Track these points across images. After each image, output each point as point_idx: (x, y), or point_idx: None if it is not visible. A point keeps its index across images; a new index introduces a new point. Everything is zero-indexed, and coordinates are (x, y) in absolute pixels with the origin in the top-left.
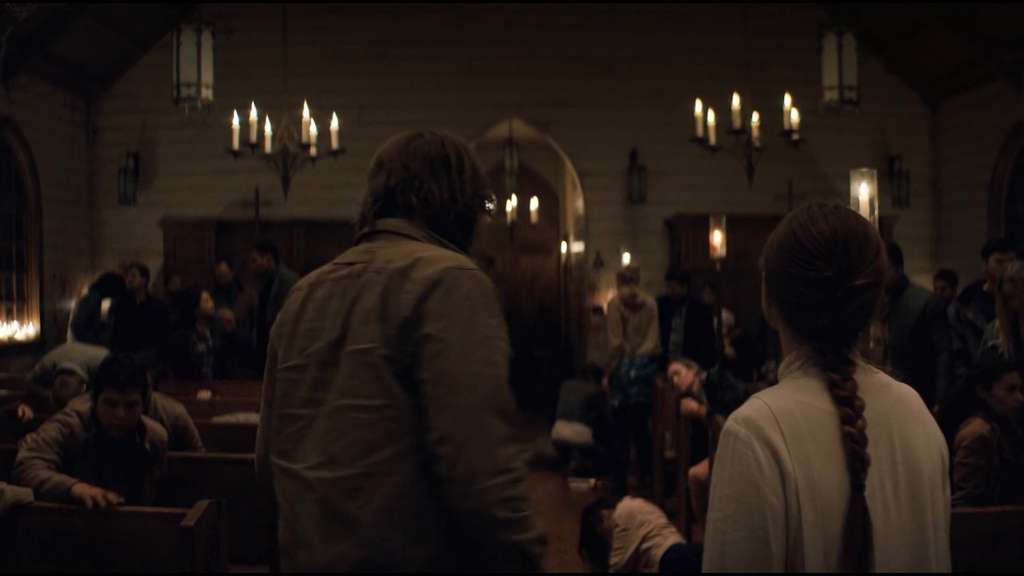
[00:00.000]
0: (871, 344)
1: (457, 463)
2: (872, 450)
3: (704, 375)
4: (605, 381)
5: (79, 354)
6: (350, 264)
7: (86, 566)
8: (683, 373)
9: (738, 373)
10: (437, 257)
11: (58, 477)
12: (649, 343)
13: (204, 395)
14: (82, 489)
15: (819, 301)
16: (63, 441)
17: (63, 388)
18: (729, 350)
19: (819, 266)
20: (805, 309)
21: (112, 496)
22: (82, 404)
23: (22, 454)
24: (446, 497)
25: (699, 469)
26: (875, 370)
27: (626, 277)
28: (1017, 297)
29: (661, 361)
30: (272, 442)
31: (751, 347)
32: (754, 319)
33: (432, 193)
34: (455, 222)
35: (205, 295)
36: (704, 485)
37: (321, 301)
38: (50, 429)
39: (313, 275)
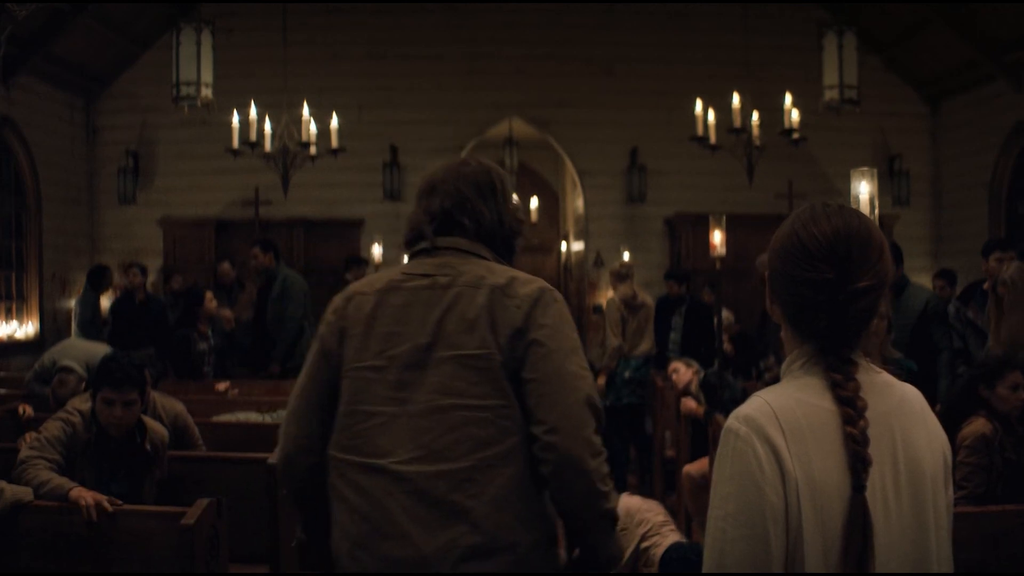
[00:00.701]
0: (875, 320)
1: (569, 449)
2: (874, 450)
3: (703, 374)
4: (601, 380)
5: (79, 351)
6: (428, 276)
7: (86, 565)
8: (681, 371)
9: (737, 370)
10: (528, 278)
11: (58, 480)
12: (646, 343)
13: (222, 386)
14: (79, 494)
15: (820, 303)
16: (66, 440)
17: (61, 386)
18: (728, 347)
19: (820, 268)
20: (806, 310)
21: (106, 505)
22: (83, 403)
23: (24, 452)
24: (558, 477)
25: (692, 467)
26: (877, 370)
27: (622, 275)
28: (1008, 299)
29: (658, 360)
30: (336, 438)
31: (750, 345)
32: (754, 318)
33: (483, 215)
34: (501, 243)
35: (209, 294)
36: (697, 482)
37: (399, 307)
38: (53, 428)
39: (380, 282)
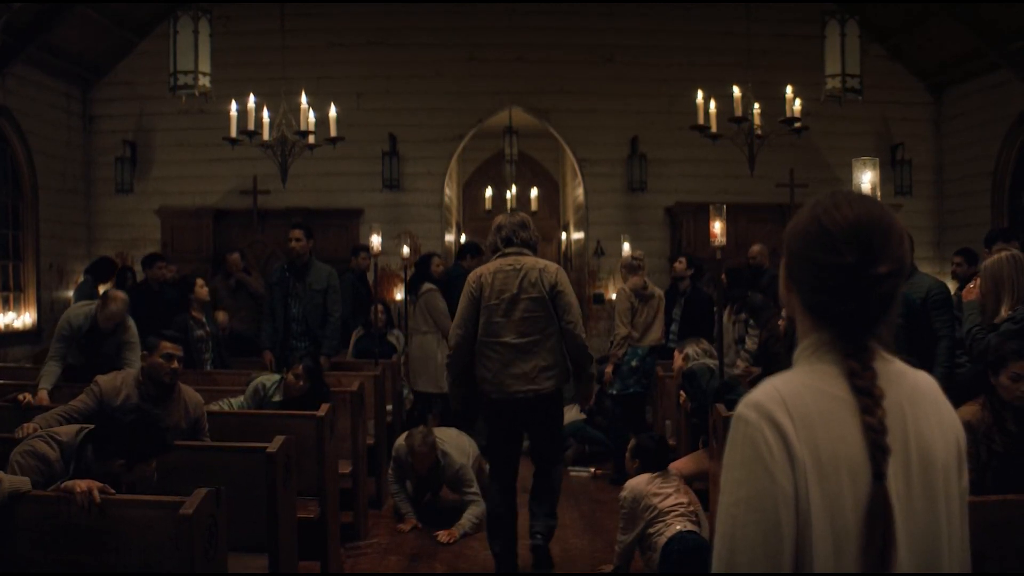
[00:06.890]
0: (895, 308)
1: (576, 330)
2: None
3: (687, 355)
4: (609, 369)
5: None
6: (511, 265)
7: (84, 555)
8: (677, 359)
9: (728, 299)
10: (553, 264)
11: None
12: (655, 333)
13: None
14: (72, 483)
15: (841, 287)
16: (42, 482)
17: (112, 302)
18: (722, 276)
19: (842, 252)
20: (826, 294)
21: (96, 495)
22: (68, 433)
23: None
24: (571, 341)
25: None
26: (891, 358)
27: (634, 266)
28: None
29: (661, 352)
30: (482, 331)
31: (745, 279)
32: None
33: (524, 236)
34: (532, 247)
35: (200, 281)
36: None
37: (502, 279)
38: (26, 467)
39: (492, 267)
